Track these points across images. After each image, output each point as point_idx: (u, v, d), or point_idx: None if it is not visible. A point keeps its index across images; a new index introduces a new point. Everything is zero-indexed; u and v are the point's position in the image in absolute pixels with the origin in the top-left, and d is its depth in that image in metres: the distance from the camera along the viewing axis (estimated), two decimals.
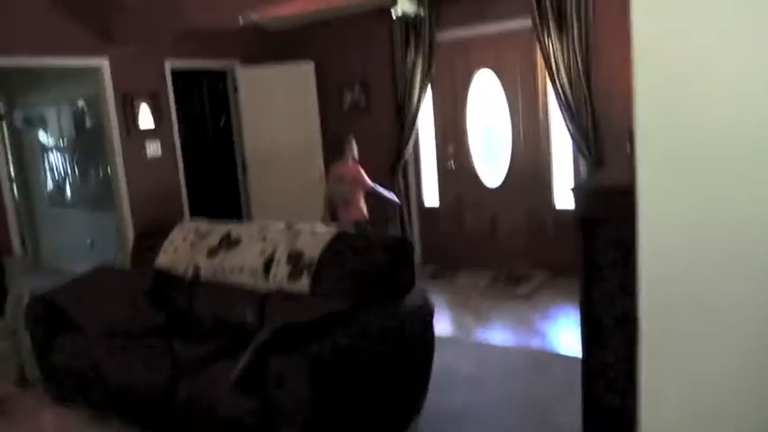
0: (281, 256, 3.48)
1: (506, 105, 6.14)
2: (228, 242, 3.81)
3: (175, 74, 6.74)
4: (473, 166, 6.45)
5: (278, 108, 7.25)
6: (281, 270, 3.43)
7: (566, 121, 5.72)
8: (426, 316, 3.26)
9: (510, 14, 5.98)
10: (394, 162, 6.77)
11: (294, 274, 3.36)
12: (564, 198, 6.20)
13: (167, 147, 6.59)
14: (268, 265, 3.53)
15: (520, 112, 6.10)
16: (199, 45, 6.78)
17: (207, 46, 6.89)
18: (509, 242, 6.23)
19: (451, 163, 6.45)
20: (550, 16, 5.57)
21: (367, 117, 7.12)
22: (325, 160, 7.32)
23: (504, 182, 6.25)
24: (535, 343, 4.62)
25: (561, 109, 5.71)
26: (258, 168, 7.32)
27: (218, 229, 3.96)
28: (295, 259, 3.40)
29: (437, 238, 6.90)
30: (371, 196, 6.06)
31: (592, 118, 5.60)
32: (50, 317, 3.75)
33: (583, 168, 5.88)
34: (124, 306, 3.81)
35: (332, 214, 5.95)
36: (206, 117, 8.17)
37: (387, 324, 3.06)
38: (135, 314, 3.76)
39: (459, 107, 6.47)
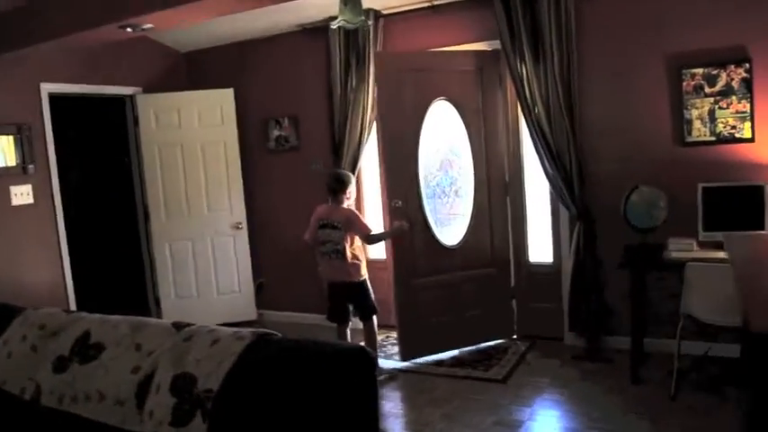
0: (163, 379, 2.18)
1: (467, 143, 4.95)
2: (85, 349, 2.48)
3: (57, 100, 5.36)
4: (427, 220, 4.84)
5: (189, 143, 5.94)
6: (161, 404, 2.13)
7: (543, 163, 4.66)
8: None
9: (476, 36, 4.94)
10: None
11: (180, 412, 2.07)
12: (540, 251, 5.13)
13: (42, 191, 5.16)
14: (142, 392, 2.23)
15: (484, 151, 4.96)
16: (88, 65, 5.44)
17: (99, 67, 5.55)
18: (475, 306, 4.97)
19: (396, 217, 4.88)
20: (524, 39, 4.55)
21: (297, 156, 5.91)
22: (247, 205, 6.05)
23: (464, 237, 4.95)
24: None
25: (538, 149, 4.66)
26: (164, 216, 5.96)
27: (74, 326, 2.62)
28: (183, 387, 2.11)
29: (386, 304, 5.67)
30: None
31: (576, 161, 4.57)
32: None
33: (564, 219, 4.84)
34: None
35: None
36: (100, 154, 6.75)
37: None
38: None
39: (409, 145, 4.95)
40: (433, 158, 4.85)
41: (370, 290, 4.52)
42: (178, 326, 2.42)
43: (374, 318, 4.49)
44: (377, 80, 4.83)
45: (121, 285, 6.40)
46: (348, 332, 4.61)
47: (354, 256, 4.41)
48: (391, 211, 4.71)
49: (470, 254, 4.94)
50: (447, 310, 4.87)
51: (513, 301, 5.16)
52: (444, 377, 4.50)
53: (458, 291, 4.89)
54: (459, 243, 4.91)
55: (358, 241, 4.44)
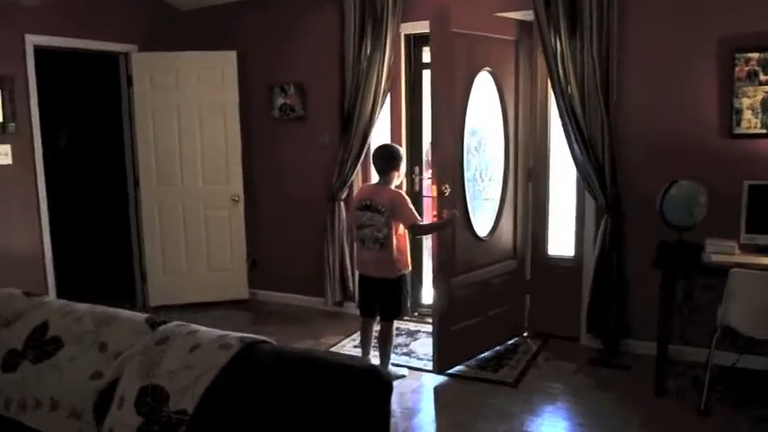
0: (128, 391, 1.79)
1: (501, 122, 4.43)
2: (41, 344, 2.09)
3: (42, 54, 4.92)
4: (467, 208, 4.17)
5: (186, 108, 5.50)
6: (124, 422, 1.75)
7: (573, 148, 4.24)
8: None
9: (507, 4, 4.46)
10: (335, 188, 5.14)
11: None
12: (560, 244, 4.73)
13: (22, 152, 4.74)
14: (103, 404, 1.84)
15: (513, 132, 4.47)
16: (79, 18, 5.01)
17: (91, 20, 5.11)
18: (498, 303, 4.49)
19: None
20: (561, 10, 4.10)
21: (302, 126, 5.48)
22: (246, 177, 5.64)
23: (493, 227, 4.42)
24: None
25: (568, 132, 4.23)
26: (155, 185, 5.54)
27: (32, 314, 2.23)
28: (152, 404, 1.73)
29: None
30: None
31: (610, 147, 4.15)
32: None
33: (590, 210, 4.43)
34: None
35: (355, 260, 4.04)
36: (90, 115, 6.31)
37: None
38: None
39: (456, 121, 4.07)
40: (473, 138, 4.25)
41: (407, 289, 3.99)
42: (153, 323, 2.03)
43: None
44: (431, 38, 3.91)
45: (106, 257, 6.00)
46: (373, 329, 4.11)
47: (397, 248, 3.79)
48: (439, 198, 3.84)
49: (497, 245, 4.46)
50: (476, 310, 4.29)
51: (527, 296, 4.78)
52: (449, 376, 4.11)
53: (485, 287, 4.37)
54: (489, 233, 4.40)
55: (402, 229, 3.81)
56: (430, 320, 4.98)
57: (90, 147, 6.25)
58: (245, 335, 1.87)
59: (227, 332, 1.91)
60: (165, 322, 2.02)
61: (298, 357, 1.74)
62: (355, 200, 3.97)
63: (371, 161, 3.91)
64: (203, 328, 1.95)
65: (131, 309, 5.39)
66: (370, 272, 3.87)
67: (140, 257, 5.69)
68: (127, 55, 5.48)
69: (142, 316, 2.09)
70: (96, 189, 6.17)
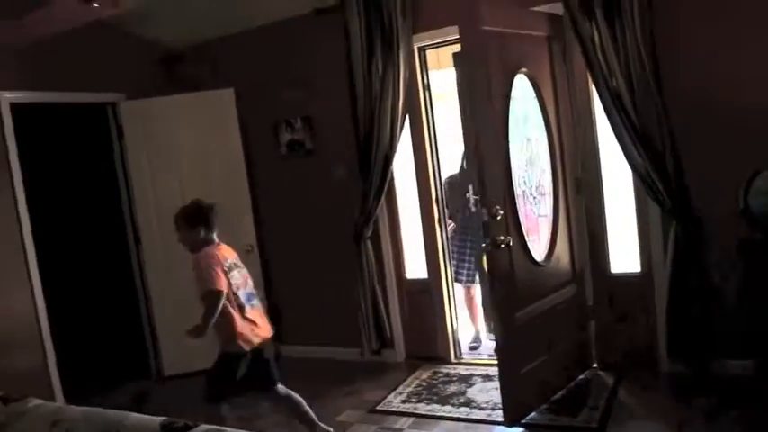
0: None
1: (543, 130, 3.90)
2: None
3: (22, 111, 4.43)
4: (521, 231, 3.64)
5: (185, 155, 5.03)
6: None
7: (627, 149, 3.71)
8: None
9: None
10: (358, 225, 4.61)
11: None
12: (623, 259, 4.18)
13: (5, 218, 4.23)
14: None
15: (557, 139, 3.94)
16: (58, 69, 4.52)
17: (71, 71, 4.61)
18: (564, 336, 3.92)
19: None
20: None
21: (314, 162, 4.96)
22: (257, 224, 5.13)
23: (549, 249, 3.87)
24: None
25: (620, 132, 3.70)
26: (159, 240, 5.01)
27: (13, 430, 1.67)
28: None
29: (422, 321, 4.77)
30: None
31: (671, 143, 3.62)
32: None
33: (654, 217, 3.88)
34: None
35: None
36: (78, 174, 5.76)
37: None
38: None
39: (498, 133, 3.55)
40: (518, 150, 3.73)
41: None
42: (171, 429, 1.48)
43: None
44: (461, 40, 3.43)
45: (111, 322, 5.42)
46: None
47: None
48: (492, 222, 3.38)
49: (556, 269, 3.90)
50: (543, 346, 3.73)
51: (592, 323, 4.20)
52: (522, 426, 3.50)
53: (549, 319, 3.78)
54: (546, 257, 3.85)
55: None
56: (482, 362, 4.47)
57: (82, 204, 5.65)
58: None
59: None
60: (188, 427, 1.47)
61: None
62: (219, 263, 3.32)
63: (194, 222, 3.52)
64: None
65: (146, 380, 4.98)
66: (265, 334, 3.42)
67: (150, 320, 5.14)
68: (114, 105, 5.02)
69: (156, 420, 1.54)
70: (92, 249, 5.58)
